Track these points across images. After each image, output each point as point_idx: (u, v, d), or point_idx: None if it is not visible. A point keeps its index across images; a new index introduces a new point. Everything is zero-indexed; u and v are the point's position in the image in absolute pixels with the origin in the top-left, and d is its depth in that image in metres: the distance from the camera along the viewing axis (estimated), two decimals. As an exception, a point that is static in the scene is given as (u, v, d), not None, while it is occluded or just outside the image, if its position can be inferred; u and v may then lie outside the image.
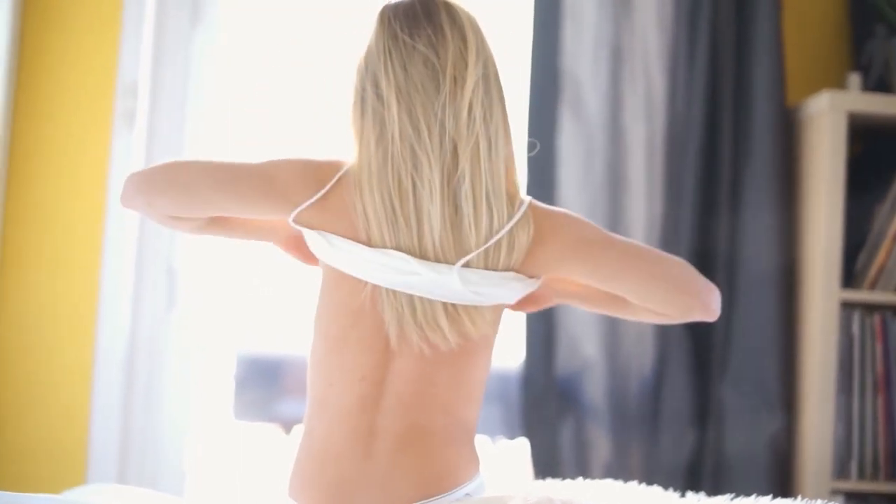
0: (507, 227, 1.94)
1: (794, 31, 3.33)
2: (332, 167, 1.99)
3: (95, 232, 3.23)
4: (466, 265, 1.92)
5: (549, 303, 2.24)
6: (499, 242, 1.94)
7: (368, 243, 1.93)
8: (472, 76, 1.93)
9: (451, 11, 1.97)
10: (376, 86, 1.94)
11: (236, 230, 2.17)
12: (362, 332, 1.96)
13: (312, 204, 1.97)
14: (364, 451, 1.93)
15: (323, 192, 1.96)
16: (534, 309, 2.24)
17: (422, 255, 1.92)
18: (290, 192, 1.98)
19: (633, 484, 2.20)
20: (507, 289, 1.97)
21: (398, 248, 1.92)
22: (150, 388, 3.32)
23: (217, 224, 2.12)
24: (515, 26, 3.34)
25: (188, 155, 3.32)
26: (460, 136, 1.91)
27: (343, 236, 1.95)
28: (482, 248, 1.93)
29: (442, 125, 1.91)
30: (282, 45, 3.46)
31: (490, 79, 1.97)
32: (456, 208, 1.91)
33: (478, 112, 1.93)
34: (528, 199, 2.00)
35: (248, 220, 2.15)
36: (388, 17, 1.97)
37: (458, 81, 1.92)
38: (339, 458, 1.94)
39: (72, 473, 3.17)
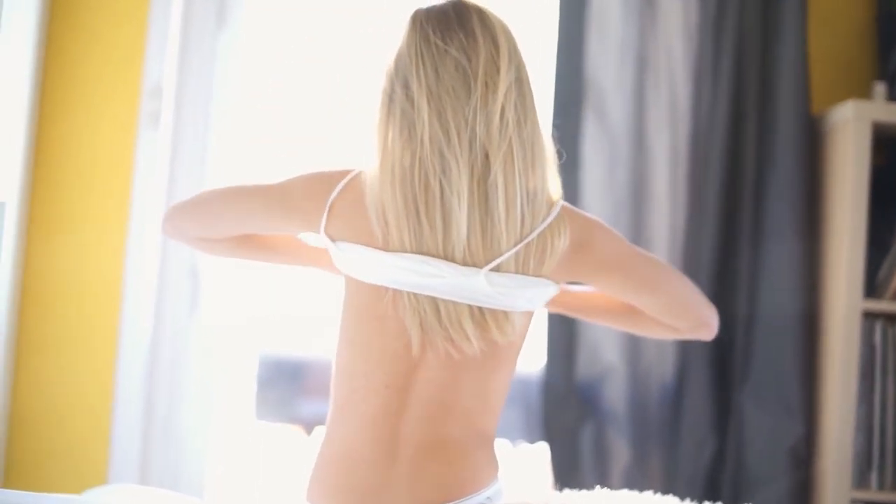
0: (540, 229, 1.95)
1: (819, 39, 3.33)
2: (340, 174, 2.01)
3: (119, 234, 3.25)
4: (496, 269, 1.93)
5: (550, 309, 2.30)
6: (531, 245, 1.95)
7: (386, 248, 1.94)
8: (505, 81, 1.93)
9: (483, 17, 1.98)
10: (406, 88, 1.94)
11: (268, 253, 2.24)
12: (386, 340, 1.97)
13: (326, 214, 1.99)
14: (388, 457, 1.95)
15: (331, 199, 1.98)
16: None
17: (447, 258, 1.92)
18: (306, 208, 2.02)
19: (649, 494, 2.20)
20: (535, 293, 1.98)
21: (420, 252, 1.92)
22: (172, 390, 3.33)
23: (246, 247, 2.18)
24: (540, 34, 3.34)
25: (212, 159, 3.34)
26: (491, 140, 1.91)
27: (356, 242, 1.97)
28: (513, 251, 1.93)
29: (472, 130, 1.91)
30: (306, 47, 3.47)
31: (523, 83, 1.97)
32: (487, 212, 1.91)
33: (511, 116, 1.93)
34: (561, 202, 2.01)
35: (280, 244, 2.24)
36: (421, 21, 1.98)
37: (489, 86, 1.93)
38: (363, 464, 1.95)
39: (93, 473, 3.19)
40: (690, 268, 3.20)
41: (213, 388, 3.35)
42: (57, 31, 3.27)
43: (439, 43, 1.95)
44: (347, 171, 2.01)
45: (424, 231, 1.92)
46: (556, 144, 3.17)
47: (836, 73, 3.37)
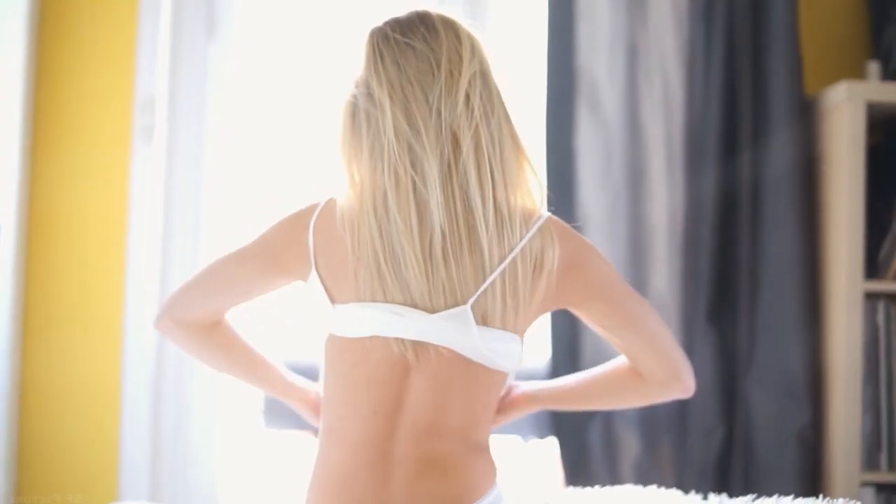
0: (522, 244, 1.92)
1: (811, 20, 3.31)
2: (308, 212, 2.00)
3: (118, 249, 3.25)
4: (483, 318, 1.91)
5: (525, 409, 2.29)
6: (515, 264, 1.92)
7: (357, 279, 1.92)
8: (468, 69, 1.90)
9: (446, 18, 1.96)
10: (367, 87, 1.92)
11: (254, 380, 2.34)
12: (371, 369, 1.94)
13: (306, 262, 1.99)
14: (382, 478, 1.92)
15: (310, 240, 1.98)
16: (507, 419, 2.28)
17: (422, 301, 1.89)
18: (287, 261, 2.03)
19: (653, 488, 2.19)
20: (515, 347, 1.97)
21: (392, 291, 1.90)
22: (179, 402, 3.34)
23: (232, 360, 2.27)
24: (530, 27, 3.33)
25: (208, 170, 3.34)
26: (459, 126, 1.88)
27: (337, 285, 1.96)
28: (497, 272, 1.90)
29: (438, 113, 1.88)
30: (297, 56, 3.47)
31: (488, 77, 1.94)
32: (467, 211, 1.89)
33: (476, 104, 1.89)
34: (548, 215, 1.98)
35: (261, 368, 2.34)
36: (379, 27, 1.97)
37: (453, 74, 1.90)
38: (358, 485, 1.92)
39: (104, 491, 3.19)
40: (691, 256, 3.20)
41: (221, 396, 3.35)
42: (46, 49, 3.27)
43: (399, 37, 1.92)
44: (314, 206, 2.00)
45: (396, 247, 1.88)
46: (550, 136, 3.17)
47: (828, 53, 3.36)
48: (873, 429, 2.98)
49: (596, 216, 3.22)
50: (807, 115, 3.16)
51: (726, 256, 3.17)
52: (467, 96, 1.89)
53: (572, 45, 3.26)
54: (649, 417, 3.21)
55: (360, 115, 1.92)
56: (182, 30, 3.38)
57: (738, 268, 3.16)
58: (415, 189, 1.88)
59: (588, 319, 2.09)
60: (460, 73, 1.89)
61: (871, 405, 2.98)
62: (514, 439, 3.34)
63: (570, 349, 3.20)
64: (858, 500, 2.91)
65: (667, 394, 2.15)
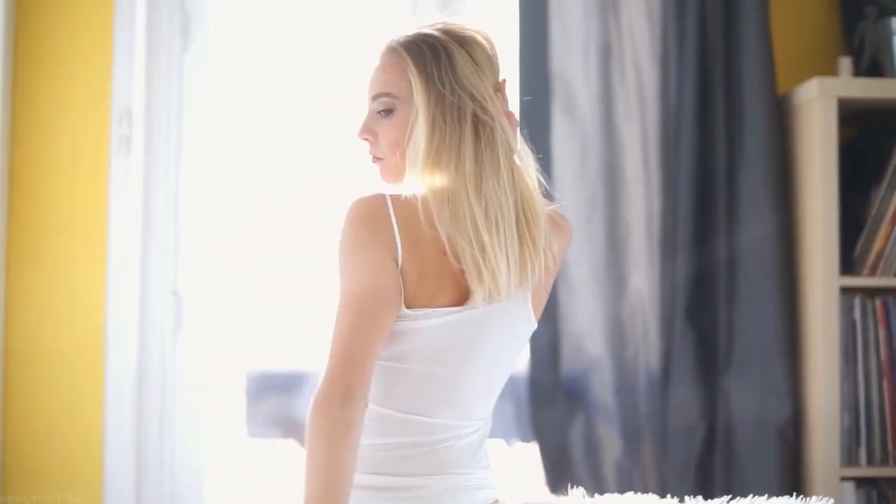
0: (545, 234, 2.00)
1: (783, 17, 3.32)
2: (380, 213, 1.95)
3: (99, 261, 3.25)
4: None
5: None
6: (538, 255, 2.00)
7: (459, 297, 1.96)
8: None
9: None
10: (481, 97, 1.98)
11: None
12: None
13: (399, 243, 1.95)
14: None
15: (399, 252, 1.94)
16: None
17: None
18: (392, 280, 1.94)
19: (630, 494, 2.18)
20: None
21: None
22: (162, 412, 3.34)
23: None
24: (503, 28, 3.33)
25: (186, 179, 3.34)
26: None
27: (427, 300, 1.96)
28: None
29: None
30: (273, 64, 3.48)
31: None
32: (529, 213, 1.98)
33: None
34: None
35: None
36: (470, 41, 2.02)
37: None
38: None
39: (89, 502, 3.19)
40: (668, 253, 3.20)
41: (203, 407, 3.36)
42: (22, 62, 3.27)
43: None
44: (380, 202, 1.95)
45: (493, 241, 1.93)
46: (526, 141, 3.17)
47: (801, 50, 3.36)
48: (852, 424, 2.98)
49: (573, 216, 3.21)
50: (780, 112, 3.16)
51: (704, 254, 3.18)
52: None
53: (545, 45, 3.27)
54: (630, 417, 3.21)
55: (469, 122, 1.96)
56: (157, 40, 3.38)
57: (715, 266, 3.17)
58: (500, 192, 1.95)
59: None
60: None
61: (850, 401, 2.98)
62: (497, 443, 3.34)
63: (550, 349, 3.20)
64: (838, 495, 2.91)
65: None
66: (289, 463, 3.48)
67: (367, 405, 1.87)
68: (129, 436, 3.25)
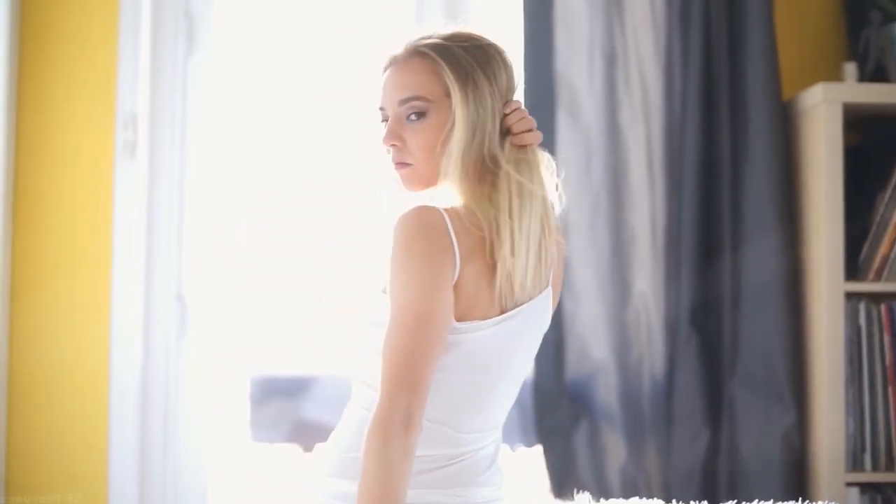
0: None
1: (788, 23, 3.32)
2: (439, 227, 1.90)
3: (103, 265, 3.25)
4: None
5: None
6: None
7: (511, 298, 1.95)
8: None
9: None
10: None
11: None
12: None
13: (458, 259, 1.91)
14: None
15: (456, 254, 1.91)
16: None
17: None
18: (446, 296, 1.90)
19: (635, 500, 2.18)
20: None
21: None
22: (166, 416, 3.34)
23: None
24: (508, 34, 3.33)
25: (191, 183, 3.34)
26: None
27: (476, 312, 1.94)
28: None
29: None
30: (276, 68, 3.48)
31: None
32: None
33: None
34: None
35: None
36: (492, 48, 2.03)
37: None
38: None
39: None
40: (673, 258, 3.20)
41: (207, 411, 3.36)
42: (27, 68, 3.27)
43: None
44: (435, 213, 1.90)
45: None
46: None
47: (805, 56, 3.36)
48: (857, 430, 2.98)
49: (577, 221, 3.22)
50: (784, 117, 3.16)
51: (708, 259, 3.18)
52: None
53: (550, 51, 3.27)
54: (634, 422, 3.21)
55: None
56: (162, 45, 3.38)
57: (720, 271, 3.17)
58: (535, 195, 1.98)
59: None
60: None
61: (855, 406, 2.98)
62: (502, 448, 3.33)
63: (554, 354, 3.20)
64: (843, 500, 2.91)
65: None
66: (292, 467, 3.47)
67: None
68: (133, 439, 3.25)
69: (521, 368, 2.04)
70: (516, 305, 1.95)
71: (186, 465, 3.34)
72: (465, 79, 1.95)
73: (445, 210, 1.90)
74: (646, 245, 3.24)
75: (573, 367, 3.24)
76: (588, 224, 3.23)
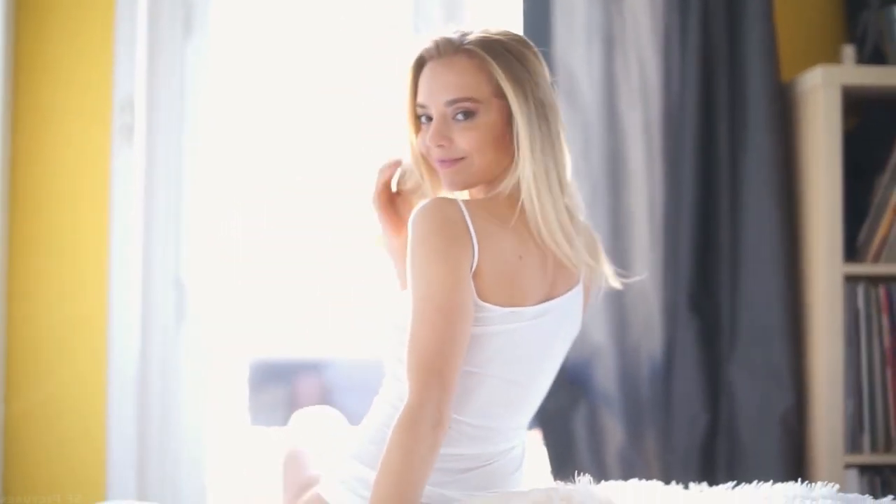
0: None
1: (786, 6, 3.32)
2: (456, 220, 1.92)
3: (101, 250, 3.25)
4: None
5: None
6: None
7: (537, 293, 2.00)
8: None
9: None
10: (549, 99, 2.03)
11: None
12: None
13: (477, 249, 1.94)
14: None
15: (475, 245, 1.93)
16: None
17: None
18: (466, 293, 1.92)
19: (634, 481, 2.19)
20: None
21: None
22: (164, 402, 3.34)
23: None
24: (506, 19, 3.34)
25: (188, 168, 3.34)
26: None
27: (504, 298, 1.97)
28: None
29: None
30: (274, 53, 3.48)
31: None
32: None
33: None
34: None
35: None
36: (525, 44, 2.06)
37: None
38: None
39: (92, 491, 3.19)
40: (671, 241, 3.20)
41: (206, 396, 3.36)
42: (24, 52, 3.27)
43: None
44: (453, 204, 1.92)
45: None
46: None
47: (805, 38, 3.36)
48: (856, 411, 2.99)
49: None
50: (783, 100, 3.16)
51: (706, 243, 3.18)
52: None
53: (549, 35, 3.26)
54: (633, 405, 3.22)
55: (552, 120, 2.01)
56: (159, 29, 3.38)
57: (718, 254, 3.17)
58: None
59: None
60: None
61: (853, 388, 2.99)
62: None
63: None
64: (842, 481, 2.92)
65: None
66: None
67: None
68: (132, 424, 3.25)
69: (553, 367, 2.07)
70: (549, 298, 1.98)
71: (184, 448, 3.34)
72: (516, 76, 1.97)
73: (466, 202, 1.93)
74: (644, 228, 3.25)
75: (572, 351, 3.21)
76: (587, 208, 3.19)
